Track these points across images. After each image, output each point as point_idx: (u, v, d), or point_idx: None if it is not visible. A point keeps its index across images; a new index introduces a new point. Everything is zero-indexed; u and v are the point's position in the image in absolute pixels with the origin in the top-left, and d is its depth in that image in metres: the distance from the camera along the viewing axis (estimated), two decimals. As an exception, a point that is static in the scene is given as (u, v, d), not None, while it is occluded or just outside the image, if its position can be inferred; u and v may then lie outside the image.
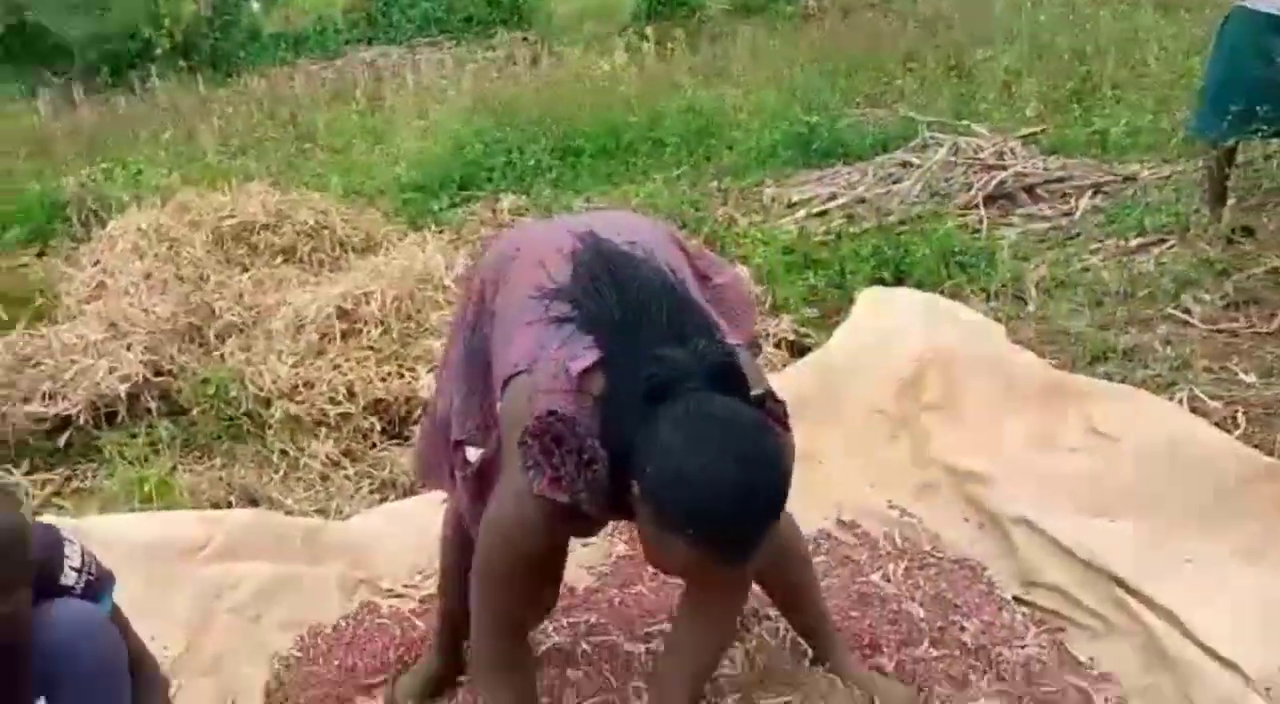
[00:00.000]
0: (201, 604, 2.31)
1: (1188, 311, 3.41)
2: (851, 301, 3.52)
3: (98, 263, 4.25)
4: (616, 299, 1.45)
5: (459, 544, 1.83)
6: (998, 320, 3.27)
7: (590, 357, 1.42)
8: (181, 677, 2.11)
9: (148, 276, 3.95)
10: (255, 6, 14.91)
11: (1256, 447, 2.49)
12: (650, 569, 2.31)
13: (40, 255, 5.68)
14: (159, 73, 11.71)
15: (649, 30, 9.91)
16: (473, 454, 1.63)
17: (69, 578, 1.59)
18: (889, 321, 3.13)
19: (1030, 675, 1.84)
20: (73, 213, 5.91)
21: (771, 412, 1.41)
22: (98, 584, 1.65)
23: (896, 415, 2.84)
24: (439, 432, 1.80)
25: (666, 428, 1.30)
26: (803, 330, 3.60)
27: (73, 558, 1.62)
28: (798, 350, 3.43)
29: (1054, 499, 2.36)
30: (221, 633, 2.26)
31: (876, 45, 8.60)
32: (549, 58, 10.23)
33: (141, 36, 13.20)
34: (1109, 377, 2.96)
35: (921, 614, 2.02)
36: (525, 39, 12.68)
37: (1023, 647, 1.92)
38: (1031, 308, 3.68)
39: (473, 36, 13.72)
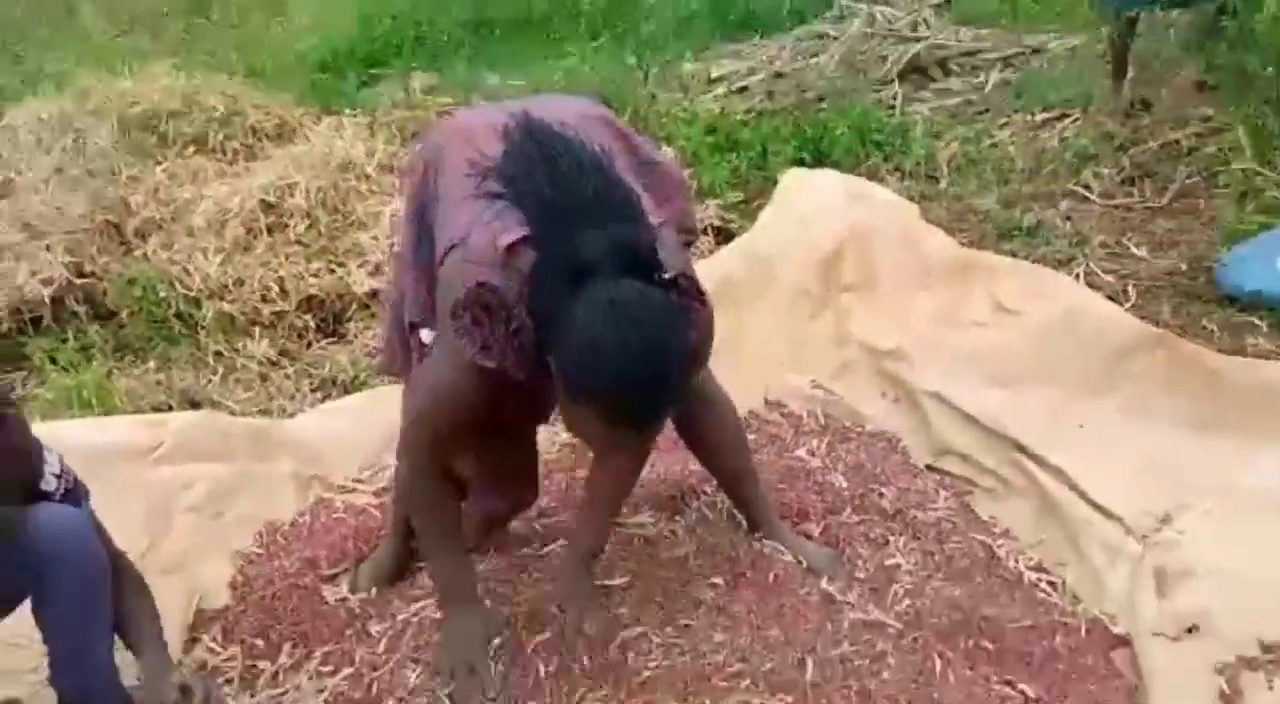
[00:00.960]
0: (158, 506, 2.38)
1: (1088, 187, 3.60)
2: (773, 184, 3.61)
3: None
4: (546, 176, 1.52)
5: None
6: (911, 199, 3.39)
7: (518, 231, 1.52)
8: (147, 576, 2.20)
9: (58, 171, 3.81)
10: None
11: (1144, 317, 2.71)
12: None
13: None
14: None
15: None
16: (427, 336, 1.73)
17: (49, 484, 1.64)
18: (810, 204, 3.24)
19: (941, 534, 2.06)
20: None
21: (685, 290, 1.51)
22: (75, 492, 1.70)
23: (819, 296, 2.98)
24: (396, 321, 1.89)
25: (579, 309, 1.41)
26: (728, 215, 3.69)
27: (52, 464, 1.66)
28: (724, 236, 3.53)
29: (962, 372, 2.55)
30: (181, 533, 2.34)
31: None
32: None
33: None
34: (1014, 254, 3.13)
35: (844, 484, 2.21)
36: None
37: (935, 509, 2.13)
38: (943, 185, 3.83)
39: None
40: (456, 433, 1.71)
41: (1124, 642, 1.82)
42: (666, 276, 1.49)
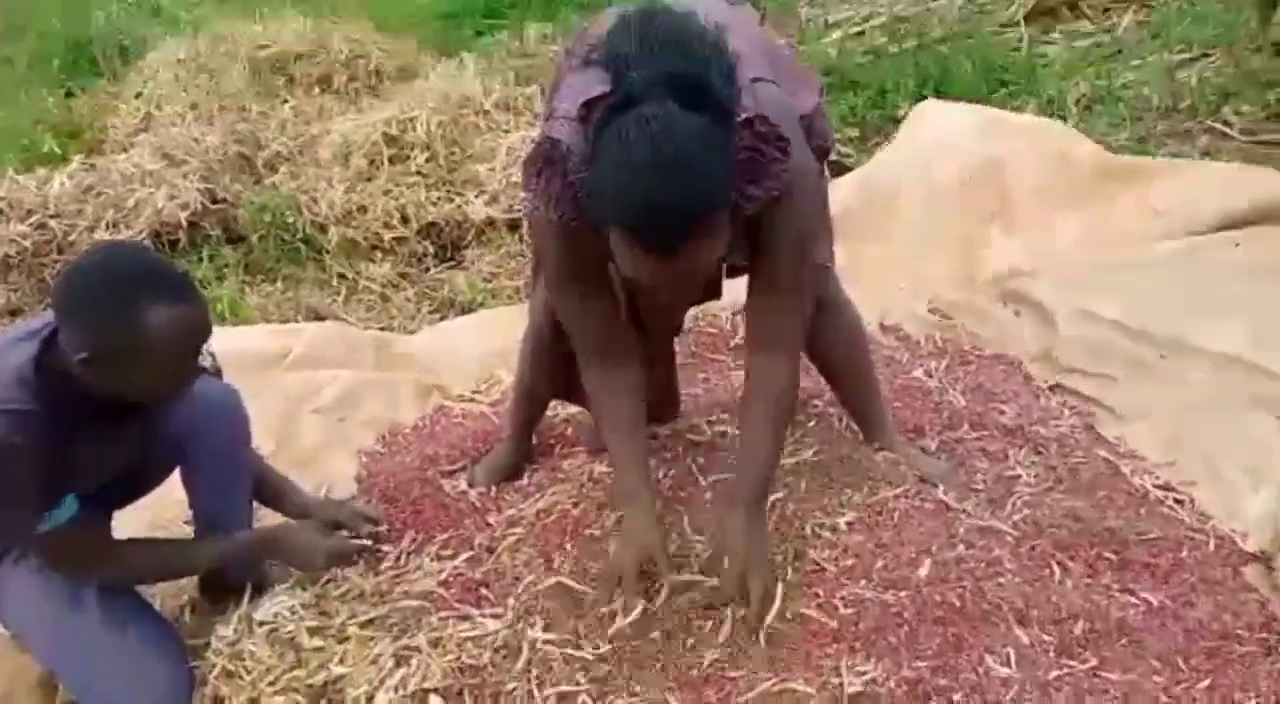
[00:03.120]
0: (288, 407, 2.51)
1: (1227, 123, 3.42)
2: (892, 122, 3.56)
3: (139, 95, 4.28)
4: (637, 37, 1.49)
5: (549, 325, 1.92)
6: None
7: (599, 88, 1.48)
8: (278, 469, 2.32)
9: (193, 107, 4.00)
10: None
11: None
12: (701, 376, 2.48)
13: (66, 95, 5.68)
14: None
15: None
16: None
17: (205, 360, 1.74)
18: (938, 135, 3.17)
19: (1063, 450, 2.00)
20: (96, 51, 5.87)
21: (760, 133, 1.43)
22: (219, 372, 1.81)
23: (944, 226, 2.92)
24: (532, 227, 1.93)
25: (608, 132, 1.39)
26: (844, 151, 3.63)
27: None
28: (839, 170, 3.48)
29: (1100, 284, 2.44)
30: (310, 432, 2.46)
31: None
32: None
33: None
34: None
35: (962, 402, 2.17)
36: None
37: (1057, 426, 2.08)
38: (1071, 124, 3.69)
39: None
40: (577, 280, 1.64)
41: (1257, 558, 1.75)
42: (742, 117, 1.43)
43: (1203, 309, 2.23)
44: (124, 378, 1.51)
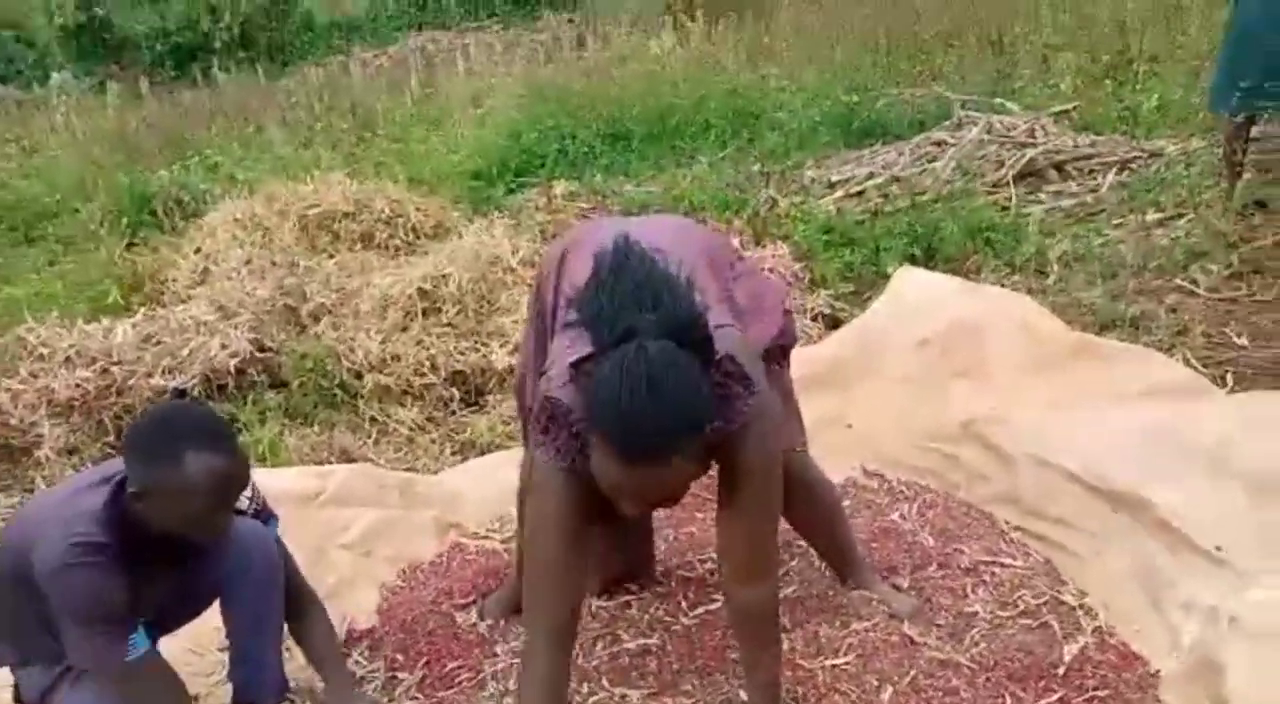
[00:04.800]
0: (319, 542, 2.74)
1: (1194, 282, 3.68)
2: (884, 278, 3.85)
3: (198, 250, 4.70)
4: (610, 295, 1.62)
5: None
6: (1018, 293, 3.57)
7: (585, 349, 1.64)
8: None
9: (247, 262, 4.39)
10: (307, -7, 15.35)
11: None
12: (700, 515, 2.70)
13: (129, 246, 6.11)
14: (220, 65, 12.21)
15: (699, 13, 10.13)
16: None
17: (242, 503, 2.00)
18: (921, 296, 3.46)
19: (1017, 588, 2.19)
20: (158, 205, 6.38)
21: (730, 372, 1.65)
22: (263, 513, 2.07)
23: (926, 380, 3.17)
24: (518, 398, 2.21)
25: (606, 360, 1.55)
26: (838, 305, 3.93)
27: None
28: (834, 323, 3.76)
29: (1064, 439, 2.65)
30: (337, 566, 2.68)
31: (918, 21, 8.78)
32: (594, 39, 10.54)
33: (201, 29, 13.71)
34: (1115, 342, 3.25)
35: (931, 543, 2.37)
36: (570, 20, 13.01)
37: (1013, 566, 2.27)
38: (1051, 280, 3.98)
39: (519, 19, 14.08)
40: (565, 536, 1.74)
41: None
42: (717, 356, 1.62)
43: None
44: (169, 513, 1.77)
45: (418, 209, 5.09)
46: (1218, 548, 2.11)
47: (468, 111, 8.47)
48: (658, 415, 1.50)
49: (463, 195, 6.20)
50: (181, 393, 2.15)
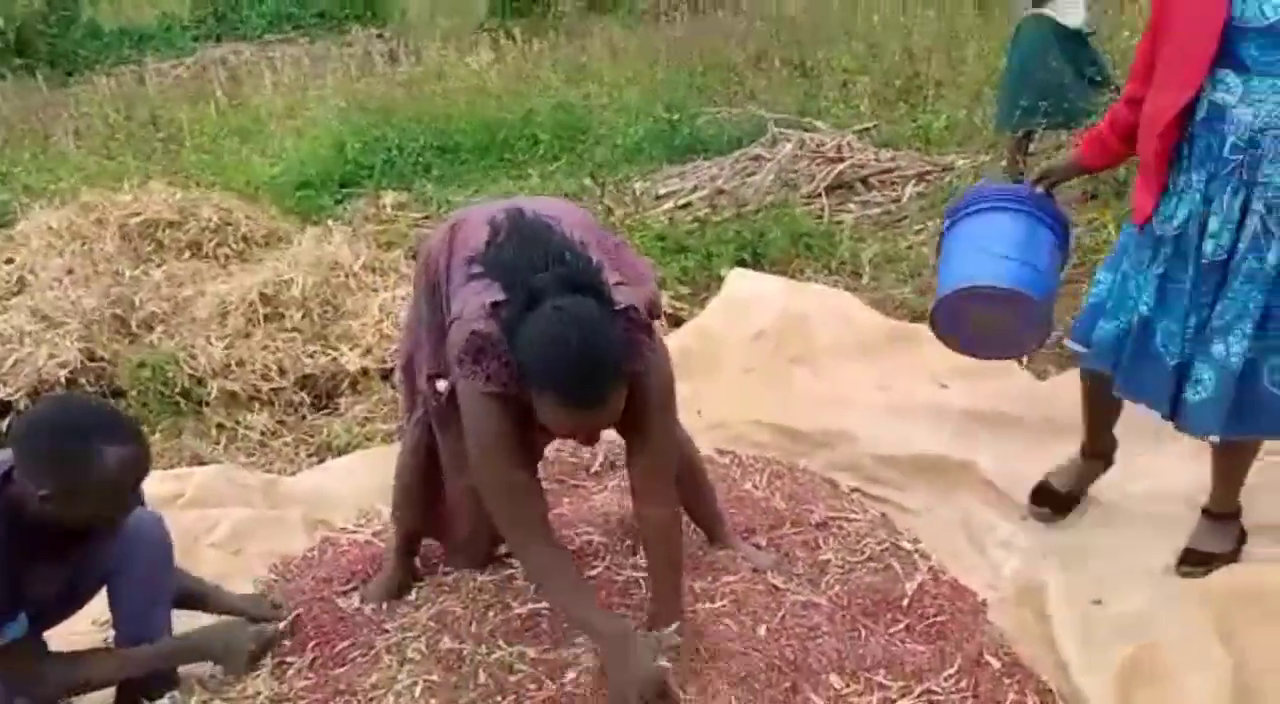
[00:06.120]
0: (187, 543, 2.69)
1: (989, 277, 4.14)
2: (718, 279, 4.13)
3: (11, 261, 4.44)
4: (515, 250, 1.87)
5: (418, 466, 2.32)
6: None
7: (499, 293, 1.85)
8: (178, 601, 2.51)
9: (69, 272, 4.19)
10: (88, -1, 14.46)
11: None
12: (566, 500, 2.84)
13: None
14: (-5, 72, 11.37)
15: (516, 30, 10.30)
16: (442, 385, 2.12)
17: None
18: (753, 294, 3.77)
19: (862, 538, 2.47)
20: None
21: (633, 320, 1.86)
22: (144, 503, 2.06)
23: (764, 368, 3.46)
24: (405, 378, 2.30)
25: (533, 319, 1.74)
26: (678, 305, 4.17)
27: None
28: (675, 322, 4.00)
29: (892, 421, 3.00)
30: (208, 564, 2.65)
31: (726, 45, 9.28)
32: (407, 54, 10.51)
33: (-30, 34, 12.68)
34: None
35: (783, 506, 2.62)
36: (380, 36, 12.85)
37: (858, 520, 2.55)
38: (865, 280, 4.38)
39: (326, 32, 13.72)
40: (509, 451, 1.92)
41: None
42: (617, 307, 1.83)
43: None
44: (82, 509, 1.77)
45: (248, 217, 4.98)
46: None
47: (283, 123, 8.29)
48: (597, 367, 1.72)
49: (290, 205, 6.10)
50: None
